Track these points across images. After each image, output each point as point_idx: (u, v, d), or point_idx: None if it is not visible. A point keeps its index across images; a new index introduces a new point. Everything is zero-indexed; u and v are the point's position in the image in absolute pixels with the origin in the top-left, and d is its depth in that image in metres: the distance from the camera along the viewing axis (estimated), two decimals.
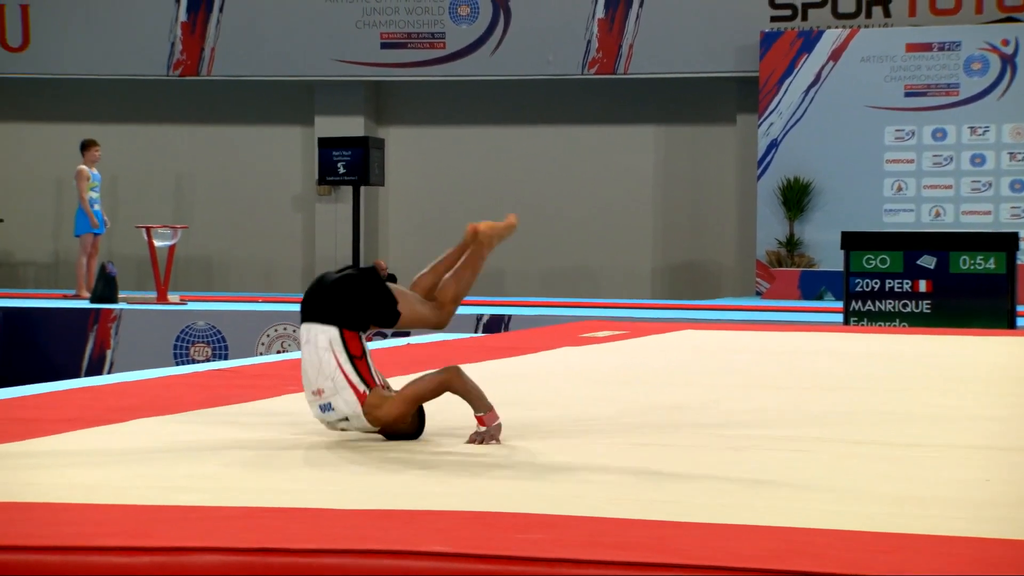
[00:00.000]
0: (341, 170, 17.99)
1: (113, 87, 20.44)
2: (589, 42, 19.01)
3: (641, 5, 18.93)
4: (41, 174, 20.59)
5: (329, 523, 3.75)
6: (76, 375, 13.52)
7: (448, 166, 20.63)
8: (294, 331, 14.00)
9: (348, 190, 18.80)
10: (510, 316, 14.04)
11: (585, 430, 5.93)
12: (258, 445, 5.56)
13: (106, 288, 14.89)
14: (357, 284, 5.23)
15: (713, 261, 20.06)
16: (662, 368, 8.91)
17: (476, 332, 13.61)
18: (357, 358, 5.16)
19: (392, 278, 5.18)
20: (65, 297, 15.91)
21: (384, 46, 19.46)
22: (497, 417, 5.25)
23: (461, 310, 15.13)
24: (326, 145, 18.18)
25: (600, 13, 18.98)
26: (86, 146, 15.58)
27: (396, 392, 5.24)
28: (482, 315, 14.06)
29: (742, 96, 19.23)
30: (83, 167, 15.44)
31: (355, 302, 5.18)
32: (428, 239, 20.68)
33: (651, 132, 20.25)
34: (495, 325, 13.87)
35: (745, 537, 3.48)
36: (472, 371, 8.57)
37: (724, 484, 4.46)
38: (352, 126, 19.93)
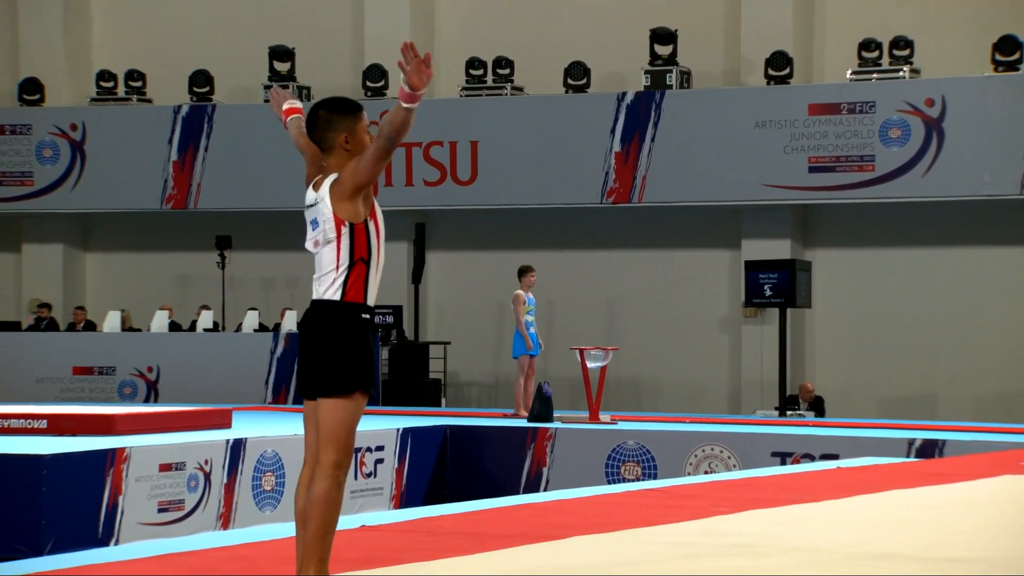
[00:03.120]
0: (768, 292, 18.03)
1: (550, 215, 21.26)
2: None
3: None
4: (483, 299, 21.54)
5: None
6: (515, 491, 13.96)
7: (876, 288, 20.31)
8: (721, 451, 14.05)
9: (774, 312, 18.78)
10: (944, 441, 13.60)
11: None
12: (689, 569, 5.66)
13: (542, 407, 15.36)
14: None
15: None
16: None
17: (908, 457, 13.26)
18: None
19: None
20: (505, 416, 16.49)
21: (812, 170, 19.46)
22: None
23: (891, 433, 14.77)
24: (753, 268, 18.27)
25: None
26: (523, 272, 16.20)
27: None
28: (914, 439, 13.70)
29: None
30: (520, 292, 16.06)
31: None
32: (855, 361, 20.37)
33: None
34: (928, 450, 13.48)
35: None
36: (904, 497, 8.40)
37: None
38: (779, 249, 19.94)
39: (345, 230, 5.01)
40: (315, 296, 5.06)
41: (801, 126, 19.44)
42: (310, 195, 5.11)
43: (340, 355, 4.95)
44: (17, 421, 12.43)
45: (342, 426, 4.94)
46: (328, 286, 5.01)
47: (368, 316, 5.04)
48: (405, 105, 4.83)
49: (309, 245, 5.10)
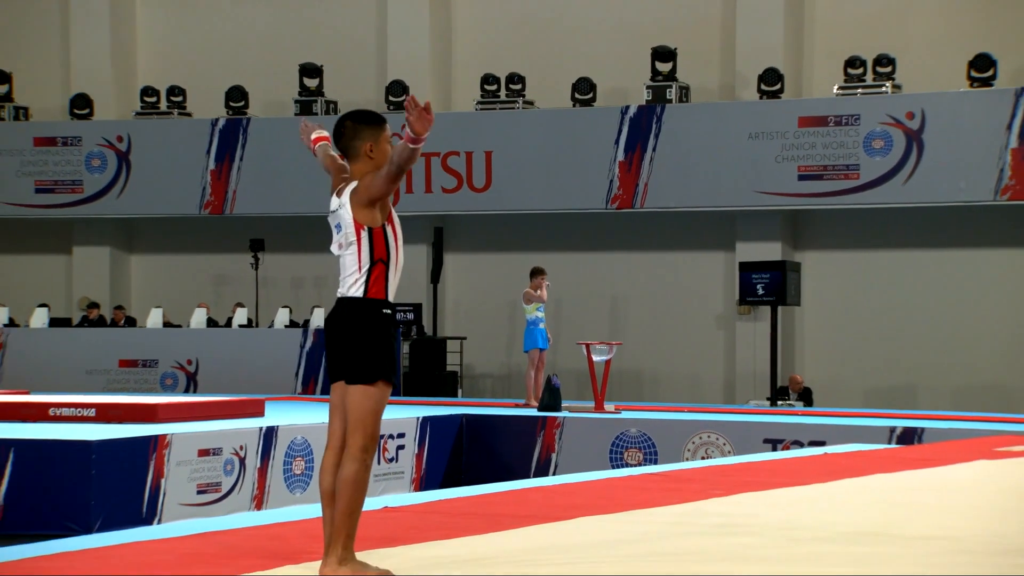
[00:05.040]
0: (760, 291, 18.01)
1: (558, 220, 21.25)
2: (1002, 170, 18.40)
3: None
4: (497, 297, 21.54)
5: None
6: (526, 475, 13.96)
7: (861, 288, 20.28)
8: (717, 438, 14.04)
9: (766, 309, 18.77)
10: (923, 428, 13.58)
11: (1001, 549, 5.70)
12: (687, 547, 5.65)
13: (551, 398, 15.35)
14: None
15: None
16: None
17: (890, 443, 13.25)
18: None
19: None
20: (516, 406, 16.47)
21: (801, 178, 19.43)
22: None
23: (874, 422, 14.76)
24: (746, 269, 18.26)
25: (1014, 143, 18.36)
26: (534, 272, 16.20)
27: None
28: (895, 427, 13.68)
29: None
30: (529, 290, 16.05)
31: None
32: (841, 355, 20.34)
33: None
34: (909, 437, 13.46)
35: None
36: (886, 481, 8.39)
37: None
38: (770, 251, 19.92)
39: (364, 234, 5.04)
40: (340, 294, 5.11)
41: (791, 137, 19.41)
42: (333, 202, 5.17)
43: (363, 347, 4.97)
44: (68, 410, 12.48)
45: (368, 413, 4.95)
46: (352, 285, 5.05)
47: (389, 311, 5.05)
48: (411, 146, 4.89)
49: (334, 248, 5.15)
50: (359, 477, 4.88)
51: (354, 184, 5.11)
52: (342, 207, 5.09)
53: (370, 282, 5.01)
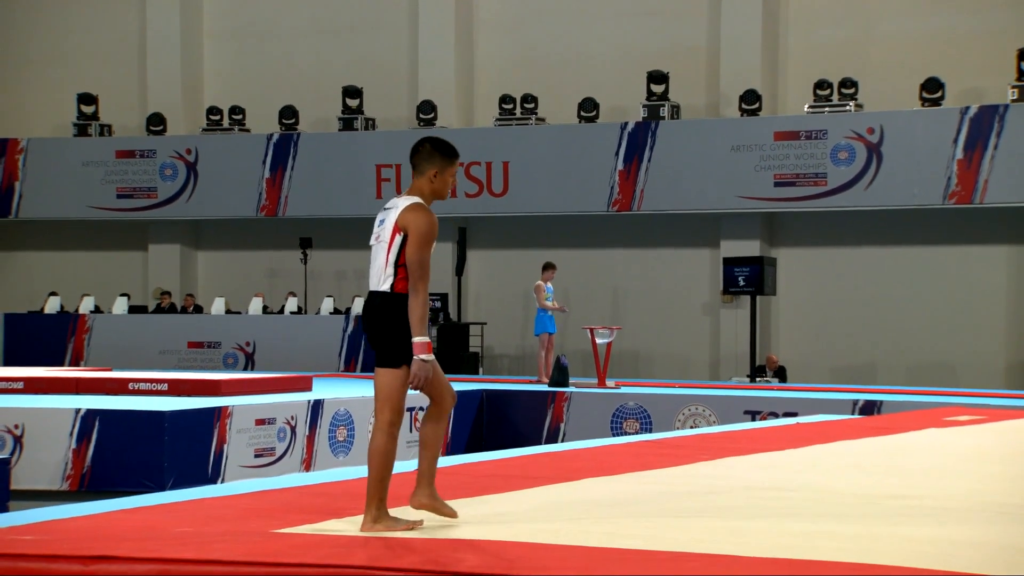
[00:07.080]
0: (741, 283, 17.99)
1: (566, 221, 21.24)
2: (949, 178, 18.35)
3: (996, 148, 18.14)
4: (513, 288, 21.54)
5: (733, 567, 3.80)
6: (538, 442, 13.97)
7: (829, 279, 20.25)
8: (703, 410, 14.02)
9: (746, 298, 18.74)
10: (882, 401, 13.56)
11: (943, 508, 5.69)
12: (679, 504, 5.65)
13: (560, 375, 15.35)
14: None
15: None
16: (1018, 448, 8.43)
17: (853, 414, 13.22)
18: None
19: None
20: (530, 382, 16.48)
21: (777, 184, 19.40)
22: (425, 350, 4.82)
23: (839, 395, 14.74)
24: (729, 263, 18.23)
25: (959, 154, 18.32)
26: (546, 267, 16.19)
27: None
28: (858, 400, 13.66)
29: None
30: (540, 282, 16.05)
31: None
32: (811, 338, 20.32)
33: (1004, 252, 19.26)
34: (869, 408, 13.44)
35: None
36: (849, 446, 8.37)
37: None
38: (750, 248, 19.89)
39: (399, 238, 4.92)
40: (371, 287, 5.02)
41: (768, 149, 19.37)
42: (392, 201, 5.05)
43: (391, 336, 4.90)
44: (145, 384, 12.52)
45: (395, 391, 4.91)
46: (381, 280, 4.95)
47: None
48: (416, 352, 4.81)
49: (372, 239, 5.06)
50: (387, 448, 4.86)
51: (412, 201, 4.95)
52: (394, 208, 4.98)
53: (396, 280, 4.92)
